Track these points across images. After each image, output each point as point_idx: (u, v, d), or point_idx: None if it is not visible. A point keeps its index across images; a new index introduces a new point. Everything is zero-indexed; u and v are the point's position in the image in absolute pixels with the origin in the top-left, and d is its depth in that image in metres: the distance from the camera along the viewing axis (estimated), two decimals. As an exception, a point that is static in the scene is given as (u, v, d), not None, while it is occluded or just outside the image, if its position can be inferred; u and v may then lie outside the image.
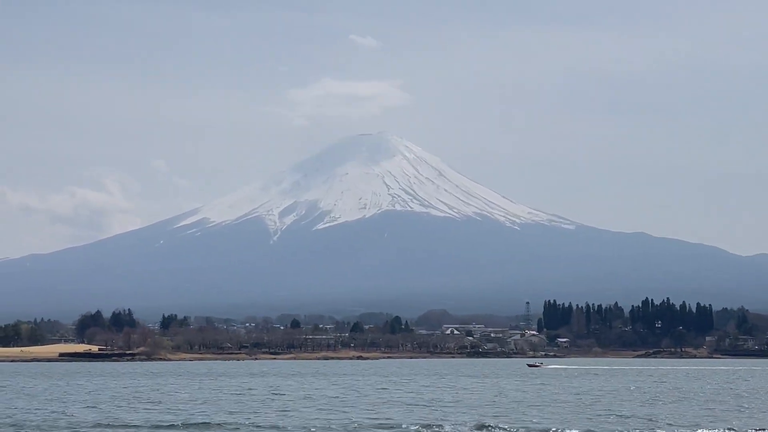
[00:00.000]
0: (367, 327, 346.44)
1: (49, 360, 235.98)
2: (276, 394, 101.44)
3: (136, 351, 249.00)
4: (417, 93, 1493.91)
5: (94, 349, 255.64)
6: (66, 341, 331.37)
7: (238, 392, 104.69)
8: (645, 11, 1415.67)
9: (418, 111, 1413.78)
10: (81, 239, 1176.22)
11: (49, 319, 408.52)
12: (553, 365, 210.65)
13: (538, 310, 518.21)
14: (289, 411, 79.02)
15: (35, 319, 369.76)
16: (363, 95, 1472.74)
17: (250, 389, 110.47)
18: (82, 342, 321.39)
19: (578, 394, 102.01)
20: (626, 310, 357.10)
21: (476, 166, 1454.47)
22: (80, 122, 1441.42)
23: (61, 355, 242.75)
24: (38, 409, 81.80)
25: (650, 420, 71.00)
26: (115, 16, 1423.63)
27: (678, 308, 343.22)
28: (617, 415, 74.95)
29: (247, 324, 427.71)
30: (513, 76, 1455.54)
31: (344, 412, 78.16)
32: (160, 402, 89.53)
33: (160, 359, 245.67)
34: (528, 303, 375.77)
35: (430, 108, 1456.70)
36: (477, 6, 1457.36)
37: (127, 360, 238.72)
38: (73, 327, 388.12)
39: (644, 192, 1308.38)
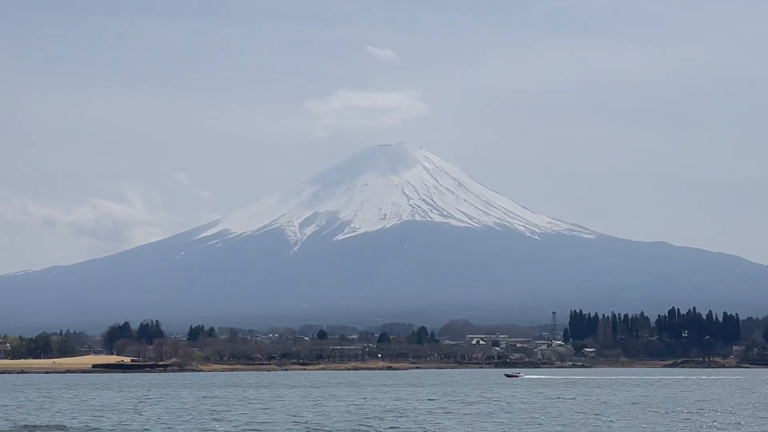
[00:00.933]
0: (393, 337, 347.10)
1: (83, 371, 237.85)
2: (397, 403, 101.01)
3: (168, 362, 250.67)
4: (436, 104, 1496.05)
5: (127, 360, 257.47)
6: (95, 352, 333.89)
7: (355, 403, 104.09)
8: (665, 22, 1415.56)
9: (437, 122, 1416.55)
10: (103, 251, 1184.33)
11: (74, 331, 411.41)
12: (532, 375, 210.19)
13: (561, 319, 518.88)
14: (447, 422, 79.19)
15: (60, 331, 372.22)
16: (382, 107, 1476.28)
17: (363, 399, 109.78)
18: (111, 353, 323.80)
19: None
20: (651, 320, 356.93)
21: (496, 175, 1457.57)
22: (102, 135, 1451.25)
23: (95, 366, 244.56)
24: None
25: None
26: (136, 31, 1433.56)
27: (705, 318, 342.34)
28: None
29: (271, 335, 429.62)
30: (532, 86, 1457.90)
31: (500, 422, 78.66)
32: (324, 412, 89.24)
33: (192, 370, 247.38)
34: (554, 313, 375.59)
35: (450, 118, 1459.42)
36: (495, 17, 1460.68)
37: (160, 371, 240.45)
38: (100, 338, 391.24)
39: (664, 201, 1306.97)
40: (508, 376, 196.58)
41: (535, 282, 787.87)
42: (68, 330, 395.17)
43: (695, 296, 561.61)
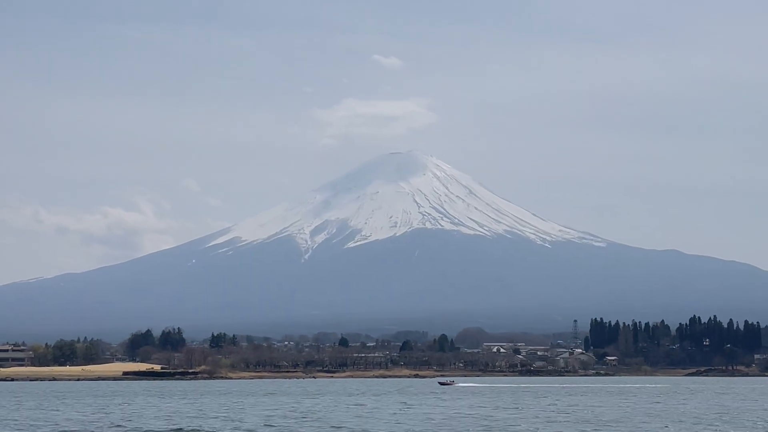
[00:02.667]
0: (415, 345, 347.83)
1: (114, 379, 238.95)
2: (487, 413, 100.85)
3: (197, 370, 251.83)
4: (443, 111, 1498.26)
5: (156, 368, 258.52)
6: (118, 360, 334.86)
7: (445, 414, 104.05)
8: (674, 30, 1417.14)
9: (445, 129, 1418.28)
10: (114, 259, 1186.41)
11: (91, 338, 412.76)
12: (465, 383, 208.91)
13: (568, 327, 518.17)
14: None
15: (78, 338, 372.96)
16: (389, 115, 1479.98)
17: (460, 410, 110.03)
18: (134, 360, 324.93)
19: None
20: (672, 328, 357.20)
21: (506, 183, 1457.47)
22: (111, 143, 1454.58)
23: (125, 374, 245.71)
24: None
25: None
26: (146, 40, 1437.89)
27: (725, 326, 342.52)
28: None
29: (286, 342, 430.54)
30: (540, 94, 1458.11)
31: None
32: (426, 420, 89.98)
33: (222, 377, 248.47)
34: (575, 321, 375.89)
35: (457, 126, 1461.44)
36: (501, 25, 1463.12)
37: (190, 378, 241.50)
38: (117, 346, 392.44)
39: (675, 209, 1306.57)
40: (441, 384, 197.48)
41: (547, 290, 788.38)
42: (85, 337, 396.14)
43: (708, 305, 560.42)
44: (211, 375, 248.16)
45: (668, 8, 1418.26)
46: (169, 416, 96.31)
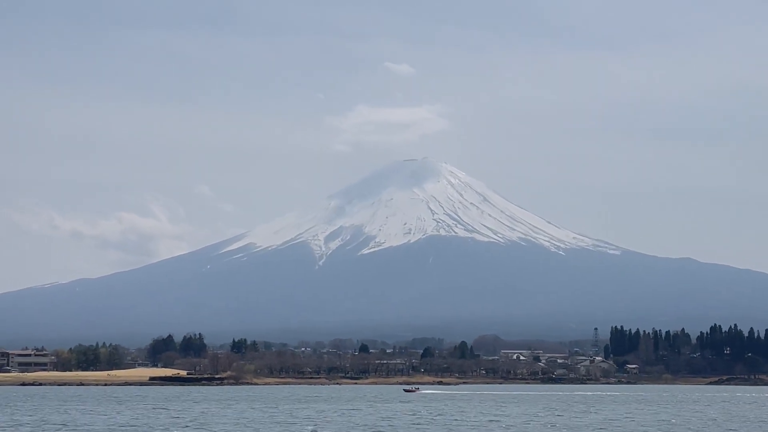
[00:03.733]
0: (437, 352, 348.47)
1: (141, 384, 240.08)
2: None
3: (224, 375, 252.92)
4: (455, 118, 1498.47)
5: (183, 373, 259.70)
6: (140, 365, 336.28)
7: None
8: (688, 36, 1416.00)
9: (458, 136, 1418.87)
10: (129, 264, 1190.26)
11: (111, 344, 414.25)
12: (429, 390, 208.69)
13: (586, 335, 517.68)
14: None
15: (96, 343, 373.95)
16: (401, 122, 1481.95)
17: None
18: (155, 365, 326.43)
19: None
20: (691, 336, 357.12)
21: (520, 191, 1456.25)
22: (124, 148, 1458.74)
23: (152, 379, 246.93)
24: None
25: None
26: (160, 46, 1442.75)
27: (746, 334, 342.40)
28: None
29: (303, 348, 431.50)
30: (553, 101, 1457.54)
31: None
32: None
33: (248, 383, 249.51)
34: (596, 329, 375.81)
35: (471, 133, 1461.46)
36: (513, 31, 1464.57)
37: (217, 384, 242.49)
38: (134, 351, 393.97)
39: (688, 217, 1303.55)
40: (406, 390, 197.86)
41: (561, 297, 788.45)
42: (104, 343, 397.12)
43: (723, 313, 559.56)
44: (237, 381, 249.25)
45: (681, 15, 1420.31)
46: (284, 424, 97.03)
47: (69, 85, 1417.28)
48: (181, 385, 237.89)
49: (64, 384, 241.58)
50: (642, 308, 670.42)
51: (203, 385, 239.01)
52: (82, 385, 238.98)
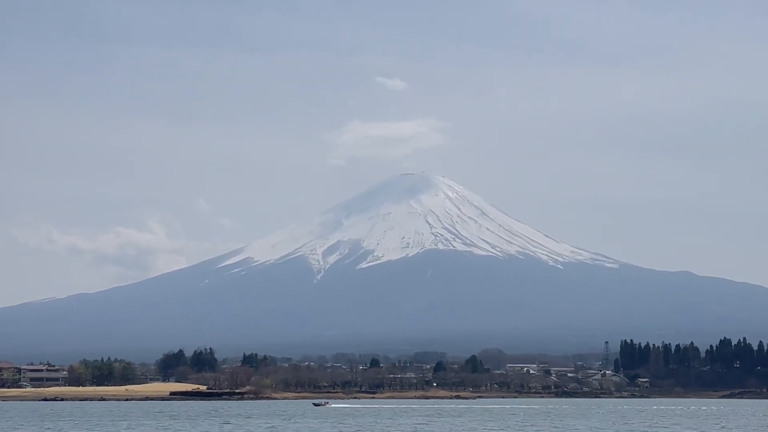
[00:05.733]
0: (450, 366, 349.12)
1: (163, 399, 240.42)
2: None
3: (243, 390, 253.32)
4: (451, 133, 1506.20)
5: (202, 388, 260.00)
6: (151, 379, 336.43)
7: None
8: (684, 51, 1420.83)
9: (455, 150, 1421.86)
10: (128, 279, 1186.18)
11: (116, 359, 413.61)
12: (339, 404, 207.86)
13: (584, 348, 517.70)
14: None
15: (102, 358, 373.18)
16: (395, 136, 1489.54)
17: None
18: (166, 380, 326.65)
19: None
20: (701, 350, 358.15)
21: (517, 204, 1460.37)
22: (122, 164, 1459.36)
23: (172, 393, 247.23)
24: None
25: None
26: (156, 61, 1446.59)
27: (756, 348, 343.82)
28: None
29: (307, 363, 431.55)
30: (549, 115, 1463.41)
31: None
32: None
33: (268, 398, 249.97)
34: (607, 343, 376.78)
35: (467, 147, 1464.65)
36: (507, 46, 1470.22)
37: (237, 399, 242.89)
38: (139, 365, 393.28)
39: (686, 231, 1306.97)
40: (315, 405, 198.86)
41: (560, 311, 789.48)
42: (107, 357, 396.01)
43: (722, 326, 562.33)
44: (257, 395, 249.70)
45: (678, 30, 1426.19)
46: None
47: (67, 101, 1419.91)
48: (202, 399, 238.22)
49: (86, 399, 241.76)
50: (640, 321, 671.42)
51: (224, 399, 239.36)
52: (104, 400, 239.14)
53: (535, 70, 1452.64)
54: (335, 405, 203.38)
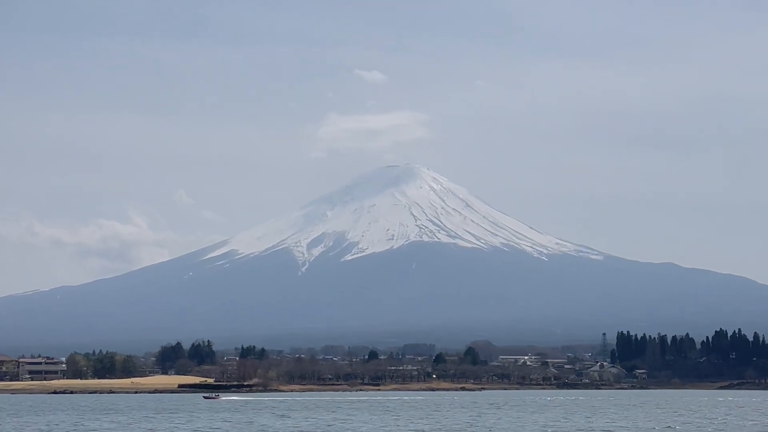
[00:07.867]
0: (449, 358, 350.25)
1: (172, 392, 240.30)
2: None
3: (251, 382, 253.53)
4: (429, 125, 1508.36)
5: (210, 380, 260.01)
6: (150, 372, 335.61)
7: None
8: (662, 44, 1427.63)
9: (432, 142, 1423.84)
10: (111, 271, 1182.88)
11: (107, 351, 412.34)
12: (229, 397, 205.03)
13: (568, 340, 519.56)
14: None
15: (94, 351, 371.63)
16: (374, 129, 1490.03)
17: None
18: (165, 373, 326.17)
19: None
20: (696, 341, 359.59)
21: (502, 196, 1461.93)
22: (103, 156, 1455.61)
23: (181, 386, 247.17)
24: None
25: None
26: (135, 54, 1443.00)
27: (751, 339, 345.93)
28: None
29: (297, 355, 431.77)
30: (528, 108, 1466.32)
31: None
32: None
33: (276, 390, 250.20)
34: (604, 335, 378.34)
35: (445, 139, 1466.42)
36: (486, 38, 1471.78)
37: (246, 391, 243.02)
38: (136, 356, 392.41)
39: (670, 222, 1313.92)
40: (206, 398, 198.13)
41: (545, 303, 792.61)
42: (104, 351, 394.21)
43: (706, 318, 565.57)
44: (265, 388, 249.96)
45: (655, 22, 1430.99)
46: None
47: (47, 94, 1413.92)
48: (211, 391, 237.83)
49: (95, 392, 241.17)
50: (626, 312, 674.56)
51: (233, 392, 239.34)
52: (113, 392, 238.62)
53: (513, 62, 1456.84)
54: (226, 398, 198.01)
